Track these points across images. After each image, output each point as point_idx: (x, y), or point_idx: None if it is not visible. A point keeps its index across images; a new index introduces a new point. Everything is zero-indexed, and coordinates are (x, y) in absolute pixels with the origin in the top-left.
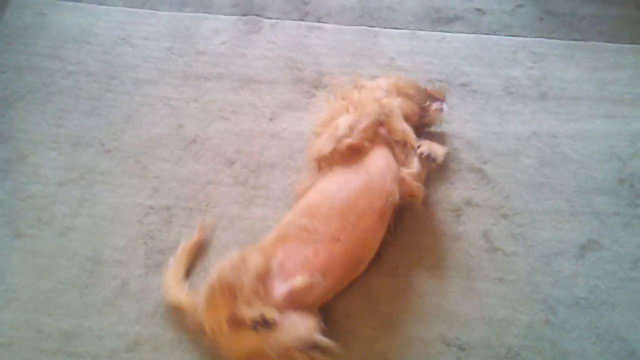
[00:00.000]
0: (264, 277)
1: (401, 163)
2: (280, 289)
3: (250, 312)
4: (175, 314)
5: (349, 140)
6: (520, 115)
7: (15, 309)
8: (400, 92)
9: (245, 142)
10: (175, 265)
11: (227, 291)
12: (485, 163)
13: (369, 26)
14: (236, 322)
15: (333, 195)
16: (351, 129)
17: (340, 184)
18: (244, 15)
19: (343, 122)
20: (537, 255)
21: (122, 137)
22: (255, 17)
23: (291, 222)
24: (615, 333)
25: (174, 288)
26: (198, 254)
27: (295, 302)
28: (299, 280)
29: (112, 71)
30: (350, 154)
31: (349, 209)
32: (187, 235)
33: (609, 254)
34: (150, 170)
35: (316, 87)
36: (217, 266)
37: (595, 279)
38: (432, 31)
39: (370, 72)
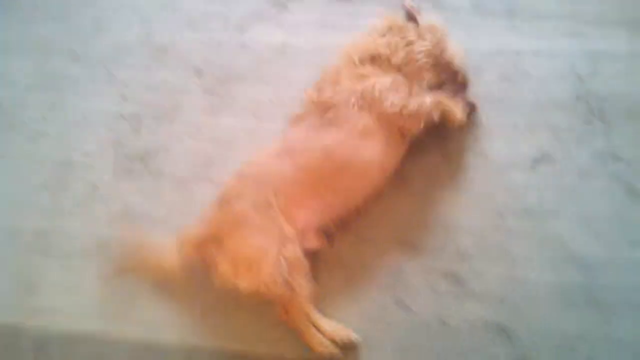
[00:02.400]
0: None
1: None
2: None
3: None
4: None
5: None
6: (487, 32)
7: None
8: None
9: (214, 52)
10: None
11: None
12: None
13: None
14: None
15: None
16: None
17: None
18: None
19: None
20: (492, 167)
21: (90, 43)
22: None
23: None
24: (558, 239)
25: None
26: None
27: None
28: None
29: None
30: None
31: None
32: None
33: (558, 167)
34: (119, 77)
35: None
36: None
37: (544, 190)
38: None
39: None
